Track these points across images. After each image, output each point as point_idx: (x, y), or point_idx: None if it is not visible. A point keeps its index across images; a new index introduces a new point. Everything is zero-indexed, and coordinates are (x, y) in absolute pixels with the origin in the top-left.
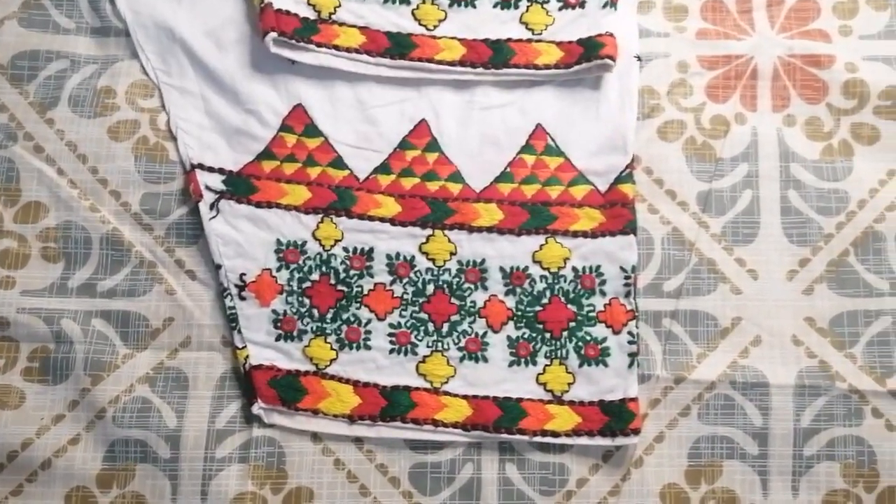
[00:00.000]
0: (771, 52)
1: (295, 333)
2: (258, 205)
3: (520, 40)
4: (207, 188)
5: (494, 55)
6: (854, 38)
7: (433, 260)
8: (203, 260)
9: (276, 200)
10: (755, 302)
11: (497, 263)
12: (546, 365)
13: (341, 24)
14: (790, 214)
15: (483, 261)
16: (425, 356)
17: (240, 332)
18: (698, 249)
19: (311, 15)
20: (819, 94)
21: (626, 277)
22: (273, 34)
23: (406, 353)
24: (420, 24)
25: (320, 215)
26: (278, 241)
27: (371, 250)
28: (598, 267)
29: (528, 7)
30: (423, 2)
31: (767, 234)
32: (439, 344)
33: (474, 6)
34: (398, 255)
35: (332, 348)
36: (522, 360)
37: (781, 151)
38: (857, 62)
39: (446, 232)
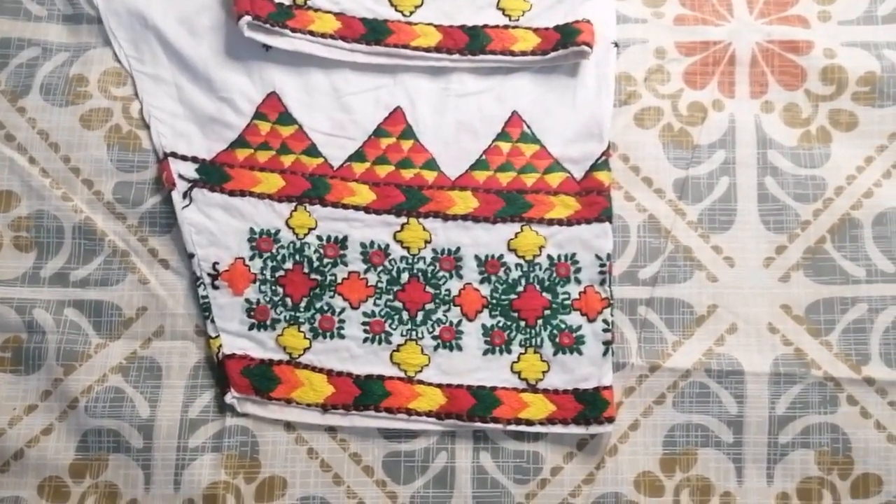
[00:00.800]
0: (749, 38)
1: (268, 322)
2: (231, 193)
3: (496, 26)
4: (180, 177)
5: (471, 41)
6: (833, 23)
7: (408, 248)
8: (176, 249)
9: (250, 189)
10: (731, 289)
11: (472, 251)
12: (520, 353)
13: (316, 10)
14: (767, 201)
15: (458, 249)
16: (399, 345)
17: (213, 321)
18: (674, 237)
19: (286, 0)
20: (797, 81)
21: (602, 265)
22: (247, 18)
23: (380, 342)
24: (396, 11)
25: (294, 203)
26: (251, 230)
27: (345, 239)
28: (574, 255)
29: None
30: None
31: (744, 222)
32: (413, 333)
33: None
34: (372, 243)
35: (305, 337)
36: (497, 348)
37: (759, 138)
38: (836, 48)
39: (421, 220)
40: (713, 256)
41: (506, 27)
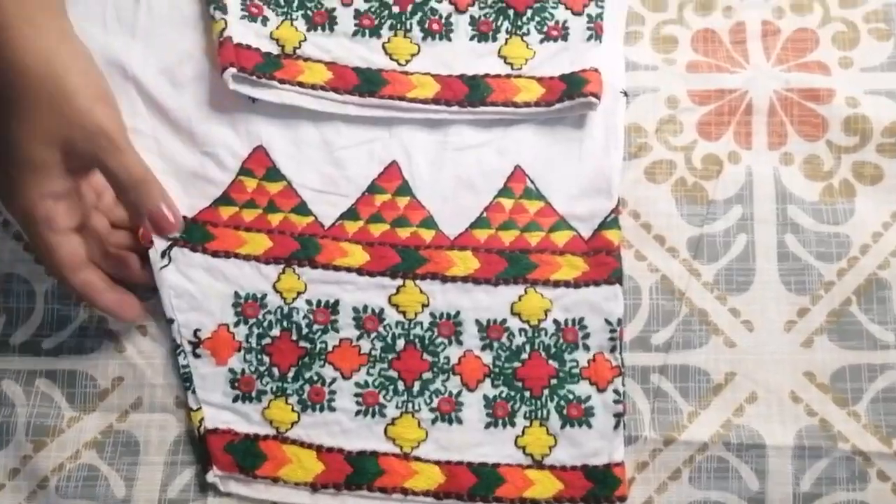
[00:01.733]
0: (767, 86)
1: (254, 394)
2: (215, 254)
3: (498, 76)
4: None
5: (471, 92)
6: (855, 70)
7: (404, 312)
8: (155, 314)
9: (235, 250)
10: (750, 355)
11: (473, 316)
12: (525, 426)
13: (306, 60)
14: (788, 260)
15: (458, 313)
16: (394, 418)
17: (194, 392)
18: (689, 299)
19: (275, 49)
20: (818, 131)
21: (612, 331)
22: (232, 70)
23: (374, 415)
24: (391, 59)
25: (282, 265)
26: (236, 294)
27: (336, 303)
28: (582, 319)
29: (506, 39)
30: (395, 34)
31: (763, 282)
32: (410, 405)
33: (449, 39)
34: (366, 307)
35: (293, 410)
36: (500, 420)
37: (778, 192)
38: (859, 96)
39: (418, 282)
40: (731, 320)
41: (508, 76)
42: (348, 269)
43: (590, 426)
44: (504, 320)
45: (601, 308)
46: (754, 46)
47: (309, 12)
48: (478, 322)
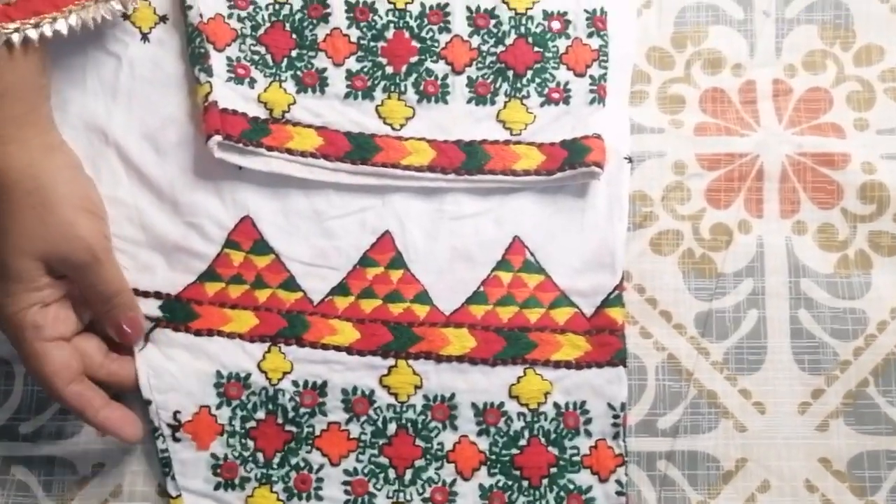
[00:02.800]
0: (778, 150)
1: (237, 481)
2: (198, 333)
3: (496, 142)
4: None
5: (468, 159)
6: (871, 132)
7: (395, 395)
8: (138, 396)
9: (219, 328)
10: (763, 440)
11: (468, 399)
12: None
13: (296, 124)
14: (801, 338)
15: (452, 395)
16: None
17: (174, 478)
18: (697, 380)
19: (262, 114)
20: (833, 198)
21: (615, 416)
22: (217, 137)
23: None
24: (385, 123)
25: (267, 344)
26: (218, 374)
27: (324, 384)
28: (584, 403)
29: (505, 103)
30: (389, 97)
31: (776, 361)
32: (401, 494)
33: (446, 102)
34: (355, 389)
35: (278, 498)
36: None
37: (791, 264)
38: (875, 161)
39: (411, 362)
40: (741, 402)
41: (507, 142)
42: (337, 348)
43: None
44: (502, 403)
45: (604, 391)
46: (765, 107)
47: (298, 73)
48: (474, 405)
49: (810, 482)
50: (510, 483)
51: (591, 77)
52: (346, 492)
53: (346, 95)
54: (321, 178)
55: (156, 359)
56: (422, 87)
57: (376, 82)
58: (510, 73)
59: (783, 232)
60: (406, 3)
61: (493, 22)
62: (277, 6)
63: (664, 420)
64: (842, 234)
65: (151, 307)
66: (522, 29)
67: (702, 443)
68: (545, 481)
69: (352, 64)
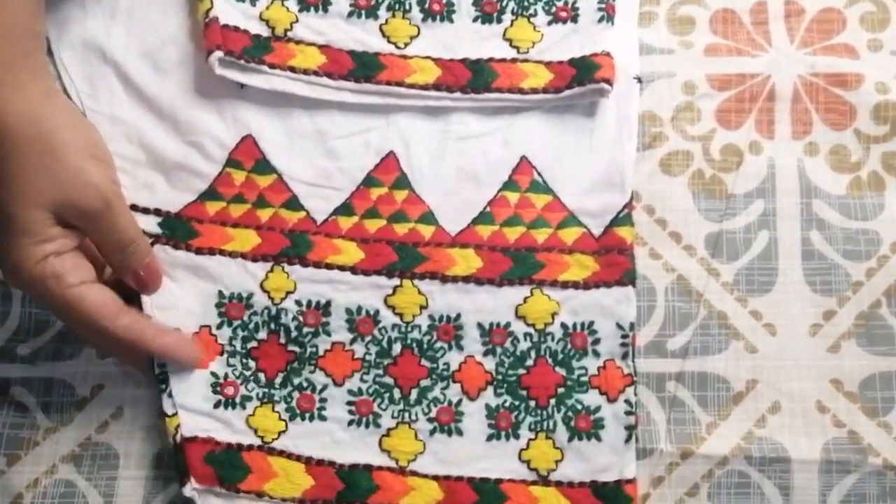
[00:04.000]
0: (790, 71)
1: (237, 400)
2: (199, 251)
3: (503, 60)
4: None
5: (474, 78)
6: (885, 53)
7: (400, 315)
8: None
9: (220, 247)
10: (773, 362)
11: (474, 319)
12: (530, 439)
13: (298, 42)
14: (813, 259)
15: (458, 316)
16: (390, 429)
17: (170, 395)
18: (707, 301)
19: (264, 31)
20: (845, 119)
21: (624, 336)
22: (218, 53)
23: (367, 426)
24: (389, 42)
25: (270, 263)
26: (220, 294)
27: (328, 304)
28: (591, 323)
29: (512, 21)
30: (393, 16)
31: (787, 283)
32: (406, 414)
33: (451, 20)
34: (360, 309)
35: (280, 418)
36: (503, 432)
37: (802, 186)
38: (889, 81)
39: (416, 282)
40: (752, 323)
41: (514, 61)
42: (341, 268)
43: (599, 439)
44: (508, 324)
45: (612, 311)
46: (777, 28)
47: None
48: (480, 325)
49: (821, 403)
50: (517, 403)
51: None
52: (350, 412)
53: (350, 14)
54: (324, 97)
55: None
56: (427, 6)
57: (380, 1)
58: None
59: (795, 153)
60: None
61: None
62: None
63: (673, 341)
64: (854, 156)
65: (150, 224)
66: None
67: (712, 364)
68: (552, 401)
69: None
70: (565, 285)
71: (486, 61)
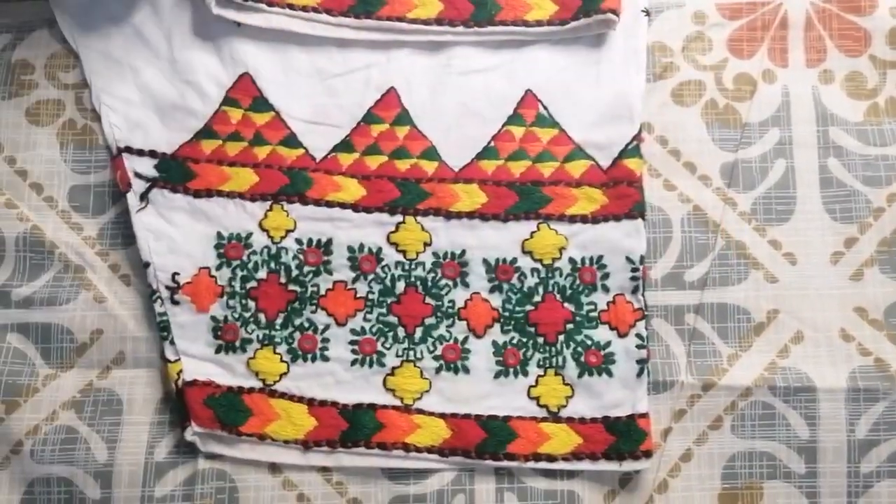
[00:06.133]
0: None
1: (238, 343)
2: (196, 193)
3: None
4: (137, 175)
5: (477, 11)
6: None
7: (404, 252)
8: (141, 262)
9: (217, 187)
10: (794, 291)
11: (480, 255)
12: (539, 375)
13: None
14: (831, 187)
15: (463, 252)
16: (394, 367)
17: (172, 342)
18: (725, 231)
19: None
20: (860, 45)
21: (634, 269)
22: None
23: (371, 365)
24: None
25: (269, 202)
26: (219, 235)
27: (329, 242)
28: (600, 258)
29: None
30: None
31: (806, 211)
32: (411, 352)
33: None
34: (362, 246)
35: (282, 360)
36: (511, 369)
37: (818, 113)
38: None
39: (419, 218)
40: (771, 253)
41: None
42: (342, 205)
43: (610, 374)
44: (514, 259)
45: (622, 245)
46: None
47: None
48: (485, 262)
49: (846, 331)
50: (524, 340)
51: None
52: (353, 351)
53: None
54: (324, 34)
55: (154, 221)
56: None
57: None
58: None
59: (809, 81)
60: None
61: None
62: None
63: (691, 272)
64: (871, 82)
65: (147, 166)
66: None
67: (731, 295)
68: (561, 337)
69: None
70: (573, 219)
71: None
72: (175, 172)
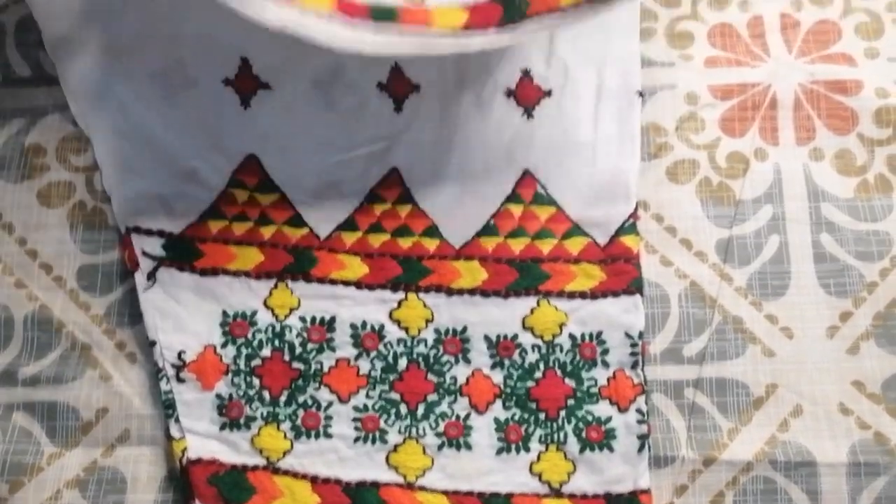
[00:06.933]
0: (790, 79)
1: (242, 421)
2: (203, 272)
3: None
4: (145, 254)
5: (506, 10)
6: (882, 60)
7: (406, 329)
8: (144, 339)
9: (224, 265)
10: (792, 365)
11: (481, 331)
12: (541, 451)
13: None
14: (825, 261)
15: (465, 329)
16: (397, 444)
17: (177, 420)
18: (721, 306)
19: None
20: (848, 124)
21: (633, 345)
22: None
23: (374, 442)
24: None
25: (274, 280)
26: (224, 313)
27: (332, 319)
28: (600, 333)
29: None
30: None
31: (801, 286)
32: (413, 429)
33: None
34: (364, 324)
35: (286, 437)
36: (513, 446)
37: (810, 190)
38: (889, 86)
39: (421, 295)
40: (768, 327)
41: None
42: (345, 283)
43: (611, 450)
44: (515, 335)
45: (620, 321)
46: (774, 39)
47: None
48: (487, 338)
49: (844, 405)
50: (526, 416)
51: None
52: (356, 428)
53: None
54: (341, 44)
55: (161, 299)
56: None
57: None
58: None
59: (800, 158)
60: None
61: None
62: None
63: (689, 347)
64: (860, 159)
65: (154, 246)
66: None
67: (730, 369)
68: (563, 413)
69: None
70: (572, 295)
71: None
72: (182, 252)
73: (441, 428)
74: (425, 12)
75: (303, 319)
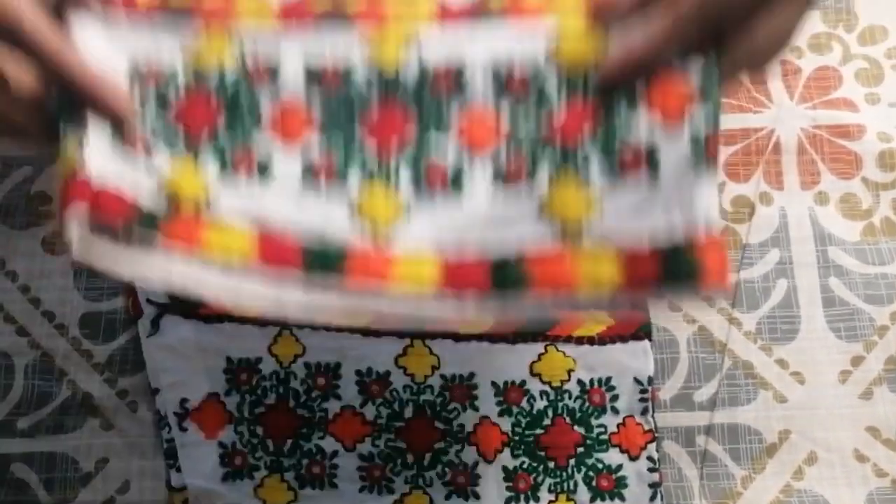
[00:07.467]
0: (793, 124)
1: (245, 470)
2: (207, 319)
3: None
4: (149, 302)
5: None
6: (884, 105)
7: (412, 376)
8: (149, 390)
9: (228, 313)
10: (805, 411)
11: (488, 378)
12: (551, 501)
13: None
14: (834, 305)
15: (472, 375)
16: (403, 494)
17: (178, 469)
18: (732, 351)
19: None
20: (852, 168)
21: (643, 391)
22: None
23: (380, 492)
24: None
25: (279, 328)
26: (228, 360)
27: (338, 366)
28: (609, 379)
29: None
30: None
31: (810, 330)
32: (420, 479)
33: None
34: (370, 370)
35: (289, 487)
36: (522, 495)
37: (816, 233)
38: (891, 131)
39: (427, 342)
40: (779, 372)
41: None
42: (351, 330)
43: (623, 499)
44: (523, 381)
45: (629, 367)
46: (776, 86)
47: None
48: (494, 385)
49: (860, 452)
50: (535, 464)
51: None
52: (361, 478)
53: None
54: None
55: (164, 347)
56: None
57: None
58: None
59: (805, 202)
60: None
61: None
62: None
63: (700, 393)
64: (865, 203)
65: (158, 293)
66: None
67: (742, 415)
68: (572, 461)
69: None
70: (580, 341)
71: None
72: (186, 299)
73: (448, 477)
74: (386, 260)
75: (308, 366)
